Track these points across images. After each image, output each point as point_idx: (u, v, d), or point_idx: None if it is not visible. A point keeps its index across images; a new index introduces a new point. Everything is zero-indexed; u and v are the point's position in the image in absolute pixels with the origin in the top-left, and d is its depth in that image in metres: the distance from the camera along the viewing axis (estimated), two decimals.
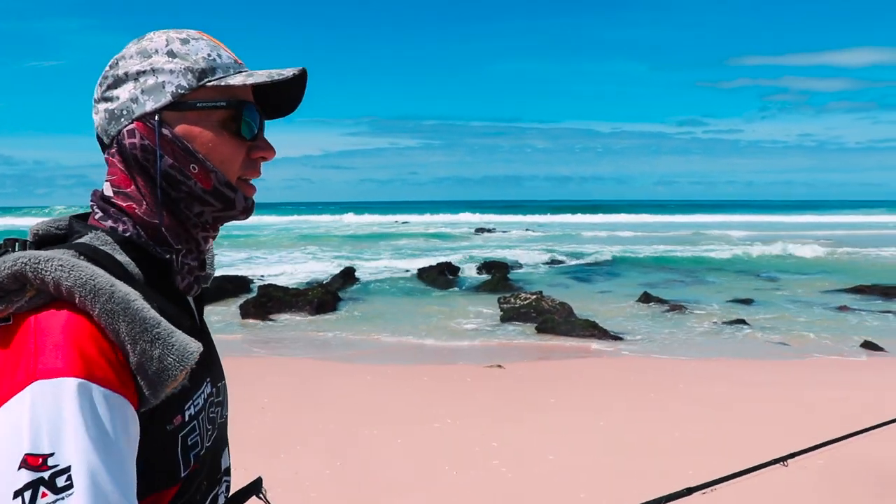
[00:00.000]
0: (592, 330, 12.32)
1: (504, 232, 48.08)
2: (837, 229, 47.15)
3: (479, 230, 50.02)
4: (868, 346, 11.43)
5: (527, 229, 49.62)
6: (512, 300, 14.62)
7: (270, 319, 14.14)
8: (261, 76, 1.12)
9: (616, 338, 12.05)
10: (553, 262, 25.85)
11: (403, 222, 64.31)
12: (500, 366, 9.70)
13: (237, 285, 17.82)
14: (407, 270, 22.17)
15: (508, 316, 13.93)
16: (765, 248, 29.95)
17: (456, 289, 18.93)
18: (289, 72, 1.13)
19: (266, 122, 1.21)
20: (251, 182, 1.19)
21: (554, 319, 13.02)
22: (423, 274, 21.02)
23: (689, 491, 2.52)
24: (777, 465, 2.81)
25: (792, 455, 2.85)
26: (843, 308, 15.44)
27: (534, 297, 14.54)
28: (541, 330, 12.70)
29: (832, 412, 7.19)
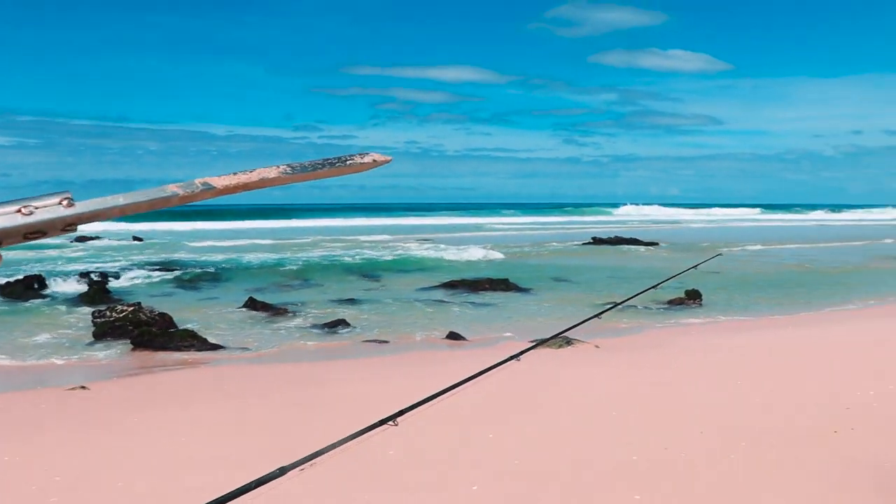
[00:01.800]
0: (192, 340, 11.83)
1: (109, 240, 44.99)
2: (440, 231, 50.89)
3: (82, 239, 46.32)
4: (452, 336, 12.37)
5: (134, 237, 46.93)
6: (107, 314, 13.55)
7: None
8: None
9: (216, 346, 11.70)
10: (158, 271, 24.59)
11: None
12: (83, 387, 8.86)
13: None
14: None
15: (102, 331, 12.88)
16: (373, 251, 31.33)
17: (46, 303, 17.16)
18: None
19: None
20: None
21: (151, 332, 12.29)
22: (7, 289, 18.76)
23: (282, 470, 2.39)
24: (385, 425, 2.82)
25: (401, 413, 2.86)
26: (438, 302, 16.59)
27: (131, 308, 13.62)
28: (137, 344, 11.91)
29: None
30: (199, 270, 24.75)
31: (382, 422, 2.90)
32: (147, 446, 6.36)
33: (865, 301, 16.46)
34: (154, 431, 6.87)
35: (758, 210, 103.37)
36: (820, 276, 22.12)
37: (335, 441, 2.66)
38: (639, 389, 7.82)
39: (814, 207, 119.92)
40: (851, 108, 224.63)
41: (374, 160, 1.18)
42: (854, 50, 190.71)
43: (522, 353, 4.24)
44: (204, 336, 12.08)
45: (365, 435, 2.76)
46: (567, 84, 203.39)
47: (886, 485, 4.89)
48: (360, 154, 1.17)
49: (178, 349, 11.56)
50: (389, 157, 1.21)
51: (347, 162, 1.16)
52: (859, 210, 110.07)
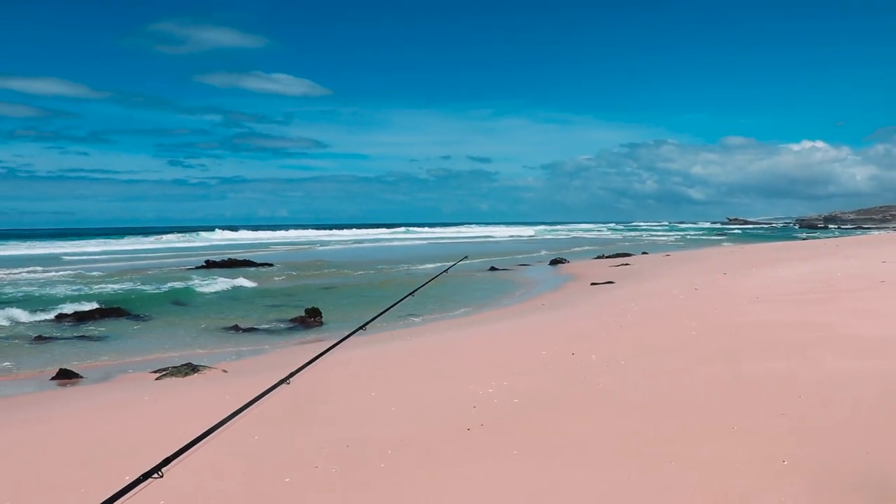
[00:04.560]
0: None
1: None
2: (26, 265, 46.12)
3: None
4: (64, 374, 11.17)
5: None
6: None
7: None
8: None
9: None
10: None
11: None
12: None
13: None
14: None
15: None
16: None
17: None
18: None
19: None
20: None
21: None
22: None
23: None
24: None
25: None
26: (39, 339, 14.95)
27: None
28: None
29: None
30: None
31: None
32: None
33: (459, 310, 18.03)
34: None
35: (387, 230, 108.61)
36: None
37: None
38: (271, 411, 7.70)
39: (414, 224, 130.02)
40: (441, 135, 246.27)
41: None
42: (440, 85, 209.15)
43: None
44: None
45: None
46: (170, 103, 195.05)
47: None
48: None
49: None
50: None
51: None
52: (452, 227, 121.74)
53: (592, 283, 21.83)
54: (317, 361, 4.32)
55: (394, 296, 7.16)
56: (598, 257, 37.34)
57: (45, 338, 15.07)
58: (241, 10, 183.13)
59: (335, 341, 4.84)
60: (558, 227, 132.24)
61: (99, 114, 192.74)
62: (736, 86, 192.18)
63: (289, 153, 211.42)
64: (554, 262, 33.54)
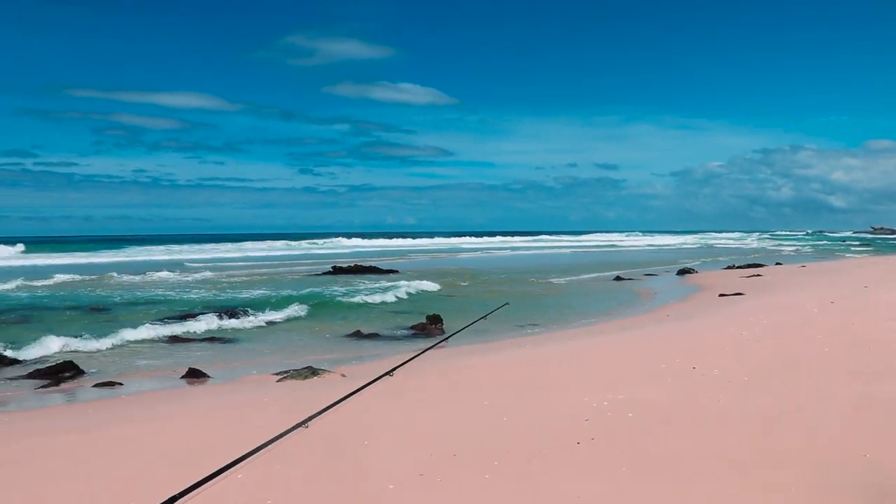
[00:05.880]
0: None
1: None
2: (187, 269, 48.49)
3: None
4: (192, 373, 11.65)
5: None
6: None
7: None
8: None
9: None
10: None
11: None
12: None
13: None
14: None
15: None
16: (105, 289, 29.19)
17: None
18: None
19: None
20: None
21: None
22: None
23: None
24: None
25: None
26: (173, 339, 15.65)
27: None
28: None
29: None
30: None
31: None
32: None
33: (580, 320, 17.72)
34: None
35: (499, 238, 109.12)
36: (539, 298, 23.59)
37: None
38: (392, 418, 7.75)
39: (543, 232, 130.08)
40: (567, 143, 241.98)
41: None
42: (565, 92, 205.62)
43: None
44: None
45: None
46: (299, 113, 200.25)
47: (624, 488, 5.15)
48: None
49: None
50: None
51: None
52: (580, 235, 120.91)
53: (720, 295, 21.06)
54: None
55: (490, 302, 7.04)
56: (729, 267, 36.05)
57: (180, 338, 15.77)
58: (367, 21, 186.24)
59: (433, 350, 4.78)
60: (689, 235, 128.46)
61: (234, 125, 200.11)
62: (881, 85, 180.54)
63: (416, 161, 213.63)
64: (682, 272, 32.63)
